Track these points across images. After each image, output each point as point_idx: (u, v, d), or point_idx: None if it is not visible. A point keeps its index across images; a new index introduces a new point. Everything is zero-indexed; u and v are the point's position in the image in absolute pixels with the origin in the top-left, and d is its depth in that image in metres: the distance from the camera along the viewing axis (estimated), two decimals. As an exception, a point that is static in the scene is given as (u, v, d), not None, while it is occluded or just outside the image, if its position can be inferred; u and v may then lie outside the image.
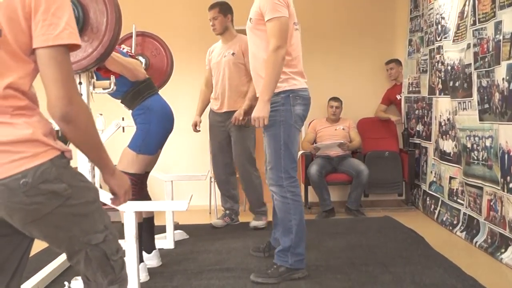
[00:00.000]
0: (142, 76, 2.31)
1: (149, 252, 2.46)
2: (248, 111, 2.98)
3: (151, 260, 2.46)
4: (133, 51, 2.72)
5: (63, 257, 2.58)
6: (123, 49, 2.48)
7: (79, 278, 2.07)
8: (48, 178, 0.95)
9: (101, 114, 3.13)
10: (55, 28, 0.94)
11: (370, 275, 2.27)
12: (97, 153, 1.07)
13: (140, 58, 2.78)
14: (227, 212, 3.47)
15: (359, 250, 2.72)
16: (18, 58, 0.96)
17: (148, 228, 2.41)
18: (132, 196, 2.14)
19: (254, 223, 3.33)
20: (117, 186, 1.15)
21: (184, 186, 3.85)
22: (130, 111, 2.36)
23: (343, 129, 4.00)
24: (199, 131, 3.39)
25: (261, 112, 2.11)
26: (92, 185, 1.13)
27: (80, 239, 1.06)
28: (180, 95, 4.04)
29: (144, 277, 2.24)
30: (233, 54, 3.22)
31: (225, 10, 3.24)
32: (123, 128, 2.94)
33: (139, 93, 2.28)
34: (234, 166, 3.42)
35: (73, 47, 0.98)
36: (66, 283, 2.10)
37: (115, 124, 2.92)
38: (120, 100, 2.39)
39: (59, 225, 1.02)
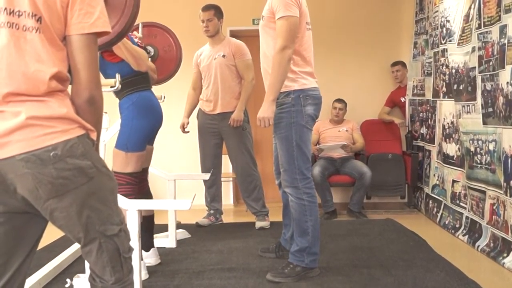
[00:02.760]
0: (144, 68, 2.26)
1: (147, 250, 2.46)
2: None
3: (149, 258, 2.46)
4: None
5: (64, 254, 2.59)
6: (135, 37, 2.43)
7: (81, 275, 2.09)
8: (75, 153, 1.01)
9: (105, 112, 3.14)
10: (90, 16, 1.03)
11: (372, 278, 2.27)
12: (100, 127, 1.16)
13: (149, 47, 2.75)
14: (211, 211, 3.50)
15: (360, 252, 2.71)
16: (56, 44, 1.02)
17: (147, 227, 2.40)
18: (132, 195, 2.17)
19: (259, 224, 3.33)
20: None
21: (186, 185, 3.87)
22: (118, 101, 2.30)
23: (347, 130, 3.99)
24: (188, 132, 3.44)
25: (266, 112, 2.11)
26: (113, 175, 1.14)
27: (96, 227, 1.08)
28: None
29: (144, 275, 2.24)
30: (223, 56, 3.25)
31: (219, 13, 3.28)
32: None
33: (132, 84, 2.21)
34: (221, 167, 3.47)
35: (102, 34, 1.07)
36: (68, 280, 2.11)
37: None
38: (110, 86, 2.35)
39: (80, 206, 1.04)
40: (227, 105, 3.27)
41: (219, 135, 3.36)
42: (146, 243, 2.45)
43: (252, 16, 4.17)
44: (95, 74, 1.05)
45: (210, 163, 3.40)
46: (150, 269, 2.41)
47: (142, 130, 2.22)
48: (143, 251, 2.41)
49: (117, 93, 2.28)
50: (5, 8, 0.98)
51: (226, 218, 3.65)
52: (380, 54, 4.26)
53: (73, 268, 2.49)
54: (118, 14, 1.62)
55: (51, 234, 2.18)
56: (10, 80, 0.98)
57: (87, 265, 1.80)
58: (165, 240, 2.91)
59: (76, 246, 2.73)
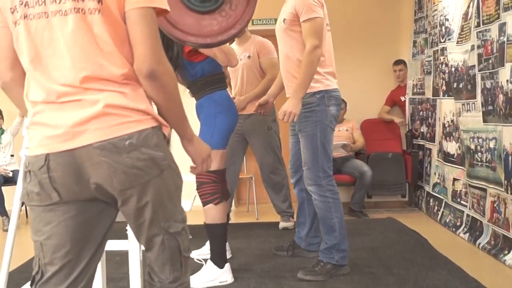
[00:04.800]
0: (234, 63, 2.25)
1: (221, 266, 2.24)
2: (263, 105, 2.82)
3: (225, 275, 2.24)
4: None
5: None
6: None
7: None
8: (149, 143, 1.01)
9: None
10: None
11: (373, 277, 2.27)
12: (177, 117, 1.10)
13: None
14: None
15: (362, 251, 2.71)
16: (120, 25, 1.01)
17: (221, 236, 2.25)
18: (217, 194, 2.17)
19: (284, 224, 3.30)
20: (195, 153, 1.17)
21: (187, 186, 3.86)
22: (195, 101, 2.29)
23: (347, 130, 3.99)
24: None
25: (294, 108, 2.11)
26: (180, 172, 1.14)
27: (161, 223, 1.08)
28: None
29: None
30: (249, 57, 3.21)
31: None
32: None
33: (212, 83, 2.22)
34: (239, 169, 3.40)
35: (160, 12, 1.03)
36: None
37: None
38: (186, 86, 2.32)
39: (148, 200, 1.04)
40: (252, 107, 3.22)
41: (243, 136, 3.28)
42: (221, 256, 2.24)
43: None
44: (154, 47, 1.00)
45: (231, 164, 3.23)
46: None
47: (225, 128, 2.22)
48: (216, 267, 2.21)
49: (195, 93, 2.29)
50: None
51: (227, 219, 3.66)
52: (380, 53, 4.26)
53: None
54: (239, 14, 1.70)
55: None
56: (85, 64, 0.98)
57: None
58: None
59: None
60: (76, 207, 1.03)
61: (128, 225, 1.85)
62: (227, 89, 2.37)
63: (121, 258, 2.39)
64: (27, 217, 4.10)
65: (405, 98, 4.19)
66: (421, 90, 4.01)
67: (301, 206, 2.58)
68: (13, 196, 1.92)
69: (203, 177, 2.14)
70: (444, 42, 3.38)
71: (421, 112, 4.00)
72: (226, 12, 1.73)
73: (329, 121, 2.22)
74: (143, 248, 1.15)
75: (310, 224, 2.56)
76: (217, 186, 2.21)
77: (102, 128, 0.97)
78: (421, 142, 4.00)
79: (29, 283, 2.16)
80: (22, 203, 4.18)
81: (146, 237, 1.10)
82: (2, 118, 4.09)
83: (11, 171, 3.92)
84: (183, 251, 1.13)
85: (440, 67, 3.52)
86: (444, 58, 3.43)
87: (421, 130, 4.01)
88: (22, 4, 0.99)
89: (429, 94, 3.82)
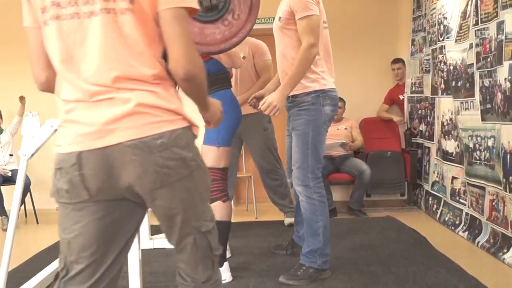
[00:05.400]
0: (239, 64, 2.27)
1: (220, 264, 2.25)
2: (258, 98, 2.86)
3: (223, 274, 2.21)
4: None
5: None
6: None
7: None
8: (180, 143, 1.02)
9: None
10: None
11: (373, 275, 2.28)
12: (202, 97, 1.13)
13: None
14: None
15: (361, 250, 2.72)
16: (151, 25, 1.01)
17: (222, 234, 2.31)
18: (225, 191, 2.17)
19: (289, 220, 3.29)
20: (211, 115, 1.22)
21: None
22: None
23: (346, 129, 3.99)
24: None
25: (278, 101, 2.08)
26: (209, 172, 1.15)
27: (192, 223, 1.08)
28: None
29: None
30: (243, 57, 3.21)
31: None
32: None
33: (218, 82, 2.23)
34: (236, 169, 3.41)
35: (192, 12, 1.04)
36: None
37: (49, 125, 2.22)
38: None
39: (179, 199, 1.04)
40: (248, 107, 3.22)
41: (237, 136, 3.29)
42: (221, 254, 2.32)
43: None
44: (188, 47, 1.01)
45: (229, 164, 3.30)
46: (151, 270, 2.42)
47: (230, 125, 2.23)
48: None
49: None
50: None
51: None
52: (379, 52, 4.26)
53: None
54: (241, 23, 1.71)
55: (51, 235, 2.20)
56: (116, 64, 0.99)
57: None
58: (165, 241, 2.90)
59: None
60: (105, 207, 1.03)
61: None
62: (231, 88, 2.37)
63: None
64: (26, 216, 4.10)
65: (403, 96, 4.20)
66: (419, 89, 4.01)
67: (299, 205, 2.57)
68: (12, 195, 1.92)
69: (212, 174, 2.14)
70: (443, 40, 3.38)
71: (420, 111, 4.00)
72: (229, 22, 1.74)
73: (323, 121, 2.19)
74: (175, 251, 1.14)
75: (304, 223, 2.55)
76: (224, 184, 2.22)
77: (134, 127, 0.98)
78: (420, 140, 4.00)
79: (27, 282, 2.16)
80: (21, 203, 4.21)
81: (178, 237, 1.10)
82: (1, 117, 4.08)
83: (10, 170, 3.91)
84: (213, 249, 1.14)
85: (439, 65, 3.53)
86: (442, 56, 3.43)
87: (420, 128, 4.01)
88: (53, 4, 0.99)
89: (427, 92, 3.82)
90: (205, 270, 1.12)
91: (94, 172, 0.98)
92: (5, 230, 3.52)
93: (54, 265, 2.43)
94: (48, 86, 1.12)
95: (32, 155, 1.93)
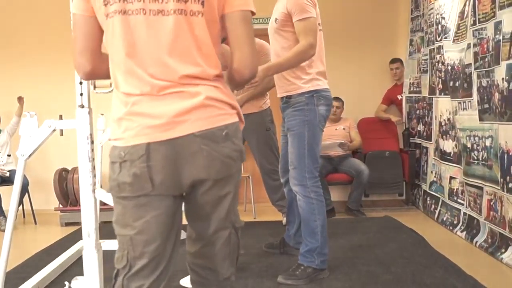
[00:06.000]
0: (228, 66, 2.27)
1: None
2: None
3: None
4: None
5: (63, 257, 2.58)
6: None
7: (79, 278, 2.08)
8: (239, 135, 1.08)
9: (102, 114, 3.13)
10: None
11: (371, 275, 2.28)
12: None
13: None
14: None
15: (359, 250, 2.72)
16: (217, 27, 1.06)
17: None
18: None
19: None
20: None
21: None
22: None
23: (344, 129, 4.00)
24: None
25: (258, 77, 2.03)
26: None
27: (231, 217, 1.11)
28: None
29: None
30: None
31: None
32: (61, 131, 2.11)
33: None
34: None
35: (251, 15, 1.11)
36: (66, 283, 2.10)
37: (47, 125, 2.04)
38: None
39: (231, 190, 1.08)
40: (250, 107, 3.22)
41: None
42: None
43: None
44: (254, 48, 1.09)
45: None
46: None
47: None
48: None
49: None
50: None
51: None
52: (377, 52, 4.27)
53: (72, 271, 2.49)
54: None
55: (49, 236, 2.19)
56: (186, 65, 1.01)
57: (85, 267, 1.79)
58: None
59: (74, 249, 2.72)
60: (164, 201, 1.04)
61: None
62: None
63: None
64: (24, 217, 4.09)
65: (401, 96, 4.20)
66: (417, 89, 4.01)
67: (291, 205, 2.58)
68: (10, 196, 1.91)
69: None
70: (441, 40, 3.39)
71: (418, 111, 4.01)
72: None
73: (318, 120, 2.20)
74: (196, 247, 1.13)
75: (299, 223, 2.55)
76: None
77: (202, 119, 1.01)
78: (418, 140, 4.01)
79: (25, 283, 2.15)
80: (19, 204, 4.22)
81: (214, 229, 1.10)
82: None
83: (8, 171, 3.88)
84: (240, 247, 1.17)
85: (437, 65, 3.53)
86: (440, 56, 3.43)
87: (418, 128, 4.02)
88: None
89: (425, 92, 3.83)
90: (230, 267, 1.15)
91: (162, 163, 0.99)
92: (3, 230, 3.60)
93: (52, 266, 2.42)
94: (93, 76, 1.13)
95: (30, 155, 1.93)
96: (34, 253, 2.90)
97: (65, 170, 3.89)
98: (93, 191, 1.75)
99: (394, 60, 4.19)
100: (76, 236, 3.07)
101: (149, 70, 1.00)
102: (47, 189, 4.05)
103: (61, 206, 3.83)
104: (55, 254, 2.66)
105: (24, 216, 4.09)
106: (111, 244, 1.99)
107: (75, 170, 3.78)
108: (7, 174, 3.86)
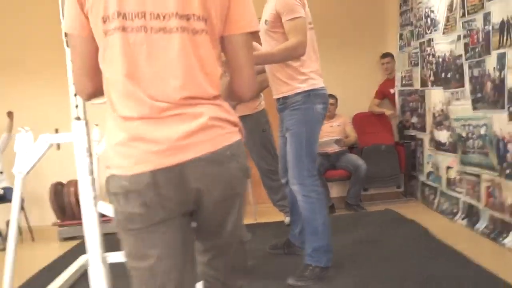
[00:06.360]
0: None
1: None
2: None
3: None
4: None
5: (66, 273, 2.52)
6: None
7: None
8: (242, 153, 1.05)
9: (97, 125, 3.11)
10: (248, 16, 1.05)
11: (377, 270, 2.30)
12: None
13: None
14: None
15: (363, 245, 2.74)
16: (216, 44, 1.03)
17: None
18: None
19: (289, 219, 3.26)
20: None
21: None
22: None
23: (339, 125, 4.03)
24: None
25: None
26: None
27: (238, 232, 1.10)
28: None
29: None
30: None
31: None
32: (58, 145, 2.14)
33: None
34: None
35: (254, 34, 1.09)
36: None
37: (44, 141, 2.03)
38: None
39: (238, 207, 1.06)
40: (245, 109, 3.22)
41: None
42: None
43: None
44: (254, 72, 1.09)
45: None
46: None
47: None
48: None
49: None
50: (176, 13, 0.95)
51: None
52: (367, 47, 4.30)
53: (78, 286, 2.46)
54: None
55: (48, 252, 2.15)
56: (188, 85, 0.97)
57: (92, 282, 1.77)
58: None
59: (78, 264, 2.68)
60: (177, 224, 1.00)
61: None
62: None
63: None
64: (21, 234, 4.02)
65: (394, 90, 4.25)
66: (409, 82, 4.06)
67: (294, 205, 2.57)
68: (4, 214, 1.85)
69: None
70: (430, 33, 3.43)
71: (411, 103, 4.05)
72: None
73: (316, 119, 2.21)
74: (205, 258, 1.12)
75: (303, 222, 2.57)
76: None
77: (208, 140, 0.97)
78: (413, 132, 4.05)
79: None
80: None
81: (223, 243, 1.09)
82: None
83: (2, 188, 3.76)
84: (246, 262, 1.17)
85: (427, 58, 3.58)
86: (431, 49, 3.48)
87: (412, 121, 4.06)
88: (119, 15, 0.94)
89: (417, 85, 3.88)
90: (240, 279, 1.15)
91: (171, 190, 0.95)
92: (2, 249, 3.48)
93: (58, 283, 2.37)
94: (94, 97, 1.09)
95: (28, 172, 1.89)
96: (37, 271, 2.85)
97: (60, 184, 3.80)
98: (95, 204, 1.72)
99: (385, 55, 4.23)
100: (77, 251, 3.02)
101: (148, 91, 0.95)
102: (42, 204, 3.98)
103: (58, 221, 3.75)
104: (58, 270, 2.60)
105: (21, 234, 4.01)
106: (115, 257, 1.97)
107: (71, 183, 3.72)
108: (1, 192, 3.73)
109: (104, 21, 0.95)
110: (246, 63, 1.05)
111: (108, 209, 2.18)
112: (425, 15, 3.52)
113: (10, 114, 3.95)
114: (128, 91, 0.95)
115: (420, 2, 3.65)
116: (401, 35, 4.20)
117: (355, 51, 4.31)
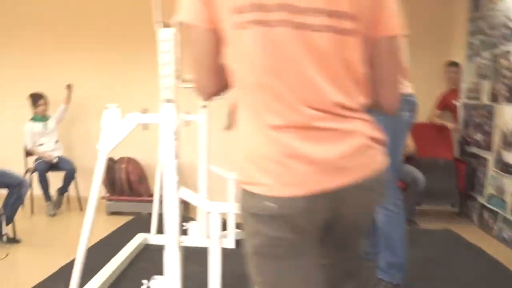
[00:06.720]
0: None
1: None
2: None
3: None
4: None
5: (126, 251, 2.56)
6: None
7: (157, 277, 1.94)
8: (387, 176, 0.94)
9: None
10: (395, 17, 0.92)
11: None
12: None
13: None
14: None
15: (423, 265, 2.55)
16: (367, 49, 0.91)
17: None
18: None
19: None
20: None
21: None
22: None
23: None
24: None
25: None
26: None
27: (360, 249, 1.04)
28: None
29: None
30: None
31: None
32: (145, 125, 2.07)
33: None
34: None
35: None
36: (145, 281, 1.94)
37: (131, 119, 1.98)
38: None
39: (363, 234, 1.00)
40: None
41: None
42: None
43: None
44: (399, 80, 0.99)
45: None
46: (195, 270, 2.27)
47: None
48: None
49: None
50: (324, 10, 0.81)
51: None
52: (430, 54, 4.06)
53: (135, 265, 2.48)
54: None
55: (96, 225, 2.07)
56: (337, 90, 0.84)
57: (166, 266, 1.72)
58: (223, 240, 2.81)
59: (134, 244, 2.70)
60: (316, 248, 0.90)
61: (209, 226, 1.75)
62: None
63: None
64: (68, 203, 4.04)
65: (457, 102, 3.99)
66: (476, 95, 3.80)
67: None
68: (56, 181, 1.80)
69: None
70: (508, 44, 3.17)
71: (476, 119, 3.79)
72: None
73: (401, 128, 2.11)
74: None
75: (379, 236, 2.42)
76: None
77: (367, 163, 0.86)
78: (474, 150, 3.80)
79: (94, 278, 2.04)
80: (66, 189, 4.21)
81: (352, 266, 1.02)
82: (47, 104, 4.03)
83: (57, 156, 3.91)
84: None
85: (502, 71, 3.32)
86: (508, 62, 3.22)
87: (475, 137, 3.81)
88: (256, 7, 0.81)
89: (485, 99, 3.62)
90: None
91: (322, 216, 0.85)
92: (52, 215, 3.76)
93: (118, 260, 2.44)
94: (215, 96, 0.96)
95: (112, 149, 1.85)
96: (93, 244, 2.85)
97: (111, 159, 3.89)
98: (177, 188, 1.65)
99: (453, 64, 3.97)
100: (127, 228, 3.14)
101: (297, 94, 0.82)
102: (91, 175, 4.02)
103: (108, 194, 3.85)
104: (112, 246, 2.67)
105: (69, 202, 4.09)
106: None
107: (122, 160, 3.87)
108: (55, 160, 3.88)
109: (238, 13, 0.82)
110: (395, 71, 0.94)
111: (189, 196, 2.20)
112: (502, 24, 3.26)
113: (69, 87, 4.09)
114: (272, 92, 0.83)
115: (495, 10, 3.38)
116: (470, 44, 3.93)
117: (418, 58, 4.07)
